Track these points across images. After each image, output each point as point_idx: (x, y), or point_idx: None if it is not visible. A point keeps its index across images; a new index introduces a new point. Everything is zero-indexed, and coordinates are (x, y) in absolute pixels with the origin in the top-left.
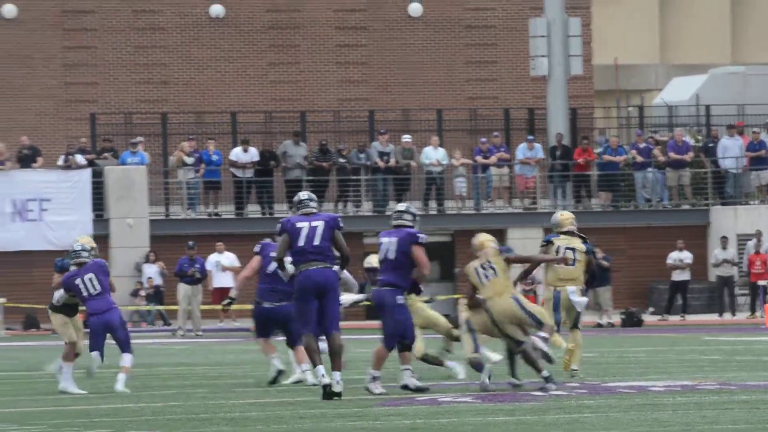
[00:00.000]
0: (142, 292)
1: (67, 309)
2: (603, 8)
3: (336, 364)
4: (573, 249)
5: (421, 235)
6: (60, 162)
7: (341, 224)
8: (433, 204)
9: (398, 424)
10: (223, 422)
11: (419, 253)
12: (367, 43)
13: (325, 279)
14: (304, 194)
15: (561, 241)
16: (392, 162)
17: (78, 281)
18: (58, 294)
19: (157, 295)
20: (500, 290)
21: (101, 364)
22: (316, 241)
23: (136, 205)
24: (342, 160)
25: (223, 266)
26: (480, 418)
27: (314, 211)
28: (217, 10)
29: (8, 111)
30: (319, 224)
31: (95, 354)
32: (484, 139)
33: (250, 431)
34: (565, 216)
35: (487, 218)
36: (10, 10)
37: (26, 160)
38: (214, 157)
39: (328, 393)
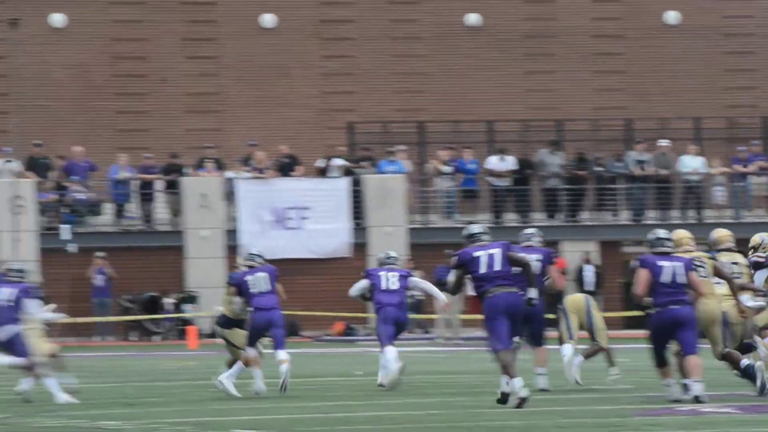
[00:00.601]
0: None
1: (238, 322)
2: None
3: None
4: (736, 263)
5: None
6: (318, 166)
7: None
8: (691, 213)
9: None
10: (482, 431)
11: (696, 278)
12: (624, 52)
13: (515, 301)
14: (475, 228)
15: (724, 257)
16: (649, 170)
17: (249, 278)
18: (236, 301)
19: (415, 304)
20: (708, 292)
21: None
22: (497, 267)
23: (394, 213)
24: (599, 169)
25: None
26: (741, 429)
27: (488, 242)
28: (473, 19)
29: (268, 120)
30: (496, 251)
31: (251, 350)
32: (742, 148)
33: None
34: (722, 233)
35: (747, 228)
36: (269, 20)
37: (285, 168)
38: (471, 166)
39: (515, 401)
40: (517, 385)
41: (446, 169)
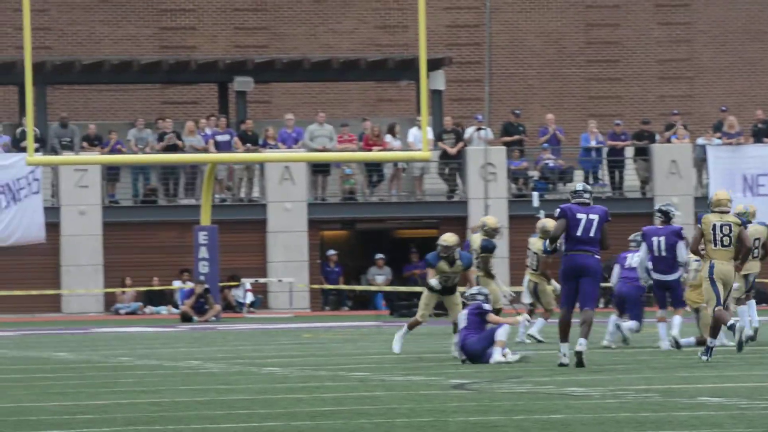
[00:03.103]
0: None
1: None
2: None
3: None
4: None
5: None
6: None
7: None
8: None
9: None
10: None
11: None
12: None
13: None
14: (579, 185)
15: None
16: None
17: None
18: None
19: None
20: None
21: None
22: (592, 233)
23: None
24: None
25: None
26: None
27: (589, 202)
28: None
29: (741, 86)
30: (595, 218)
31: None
32: None
33: None
34: None
35: None
36: None
37: (760, 134)
38: None
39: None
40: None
41: None
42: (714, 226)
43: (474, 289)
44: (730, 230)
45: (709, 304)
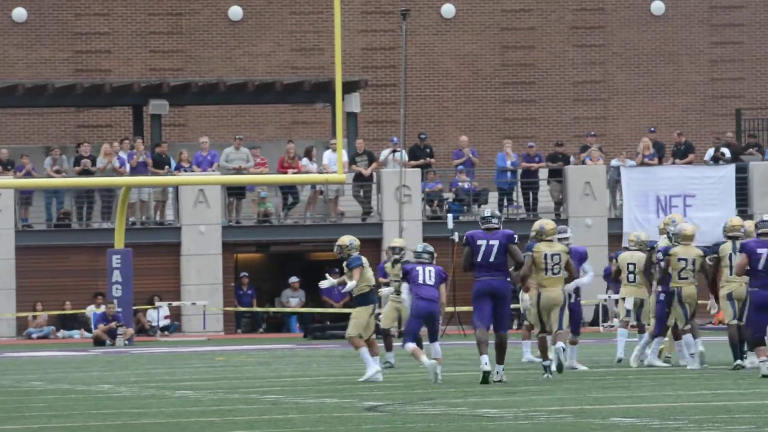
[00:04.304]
0: None
1: None
2: None
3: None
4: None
5: None
6: (707, 158)
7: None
8: None
9: None
10: None
11: None
12: None
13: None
14: (487, 211)
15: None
16: None
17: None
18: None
19: None
20: None
21: None
22: (492, 258)
23: None
24: None
25: None
26: None
27: (497, 227)
28: None
29: (654, 108)
30: (495, 243)
31: None
32: None
33: None
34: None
35: None
36: (658, 7)
37: (677, 155)
38: None
39: (484, 380)
40: (483, 361)
41: None
42: (545, 255)
43: (420, 246)
44: (560, 259)
45: (535, 329)
